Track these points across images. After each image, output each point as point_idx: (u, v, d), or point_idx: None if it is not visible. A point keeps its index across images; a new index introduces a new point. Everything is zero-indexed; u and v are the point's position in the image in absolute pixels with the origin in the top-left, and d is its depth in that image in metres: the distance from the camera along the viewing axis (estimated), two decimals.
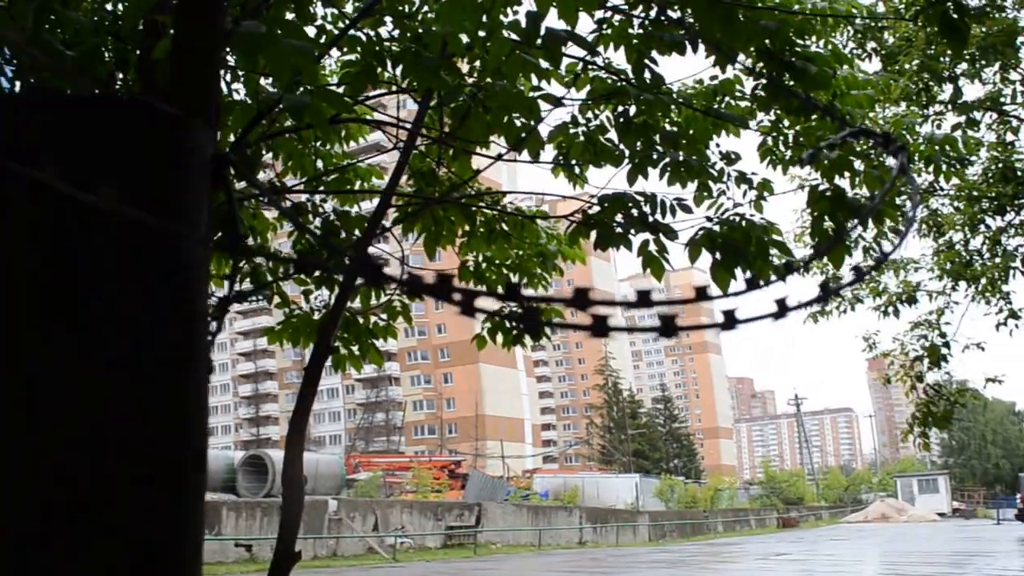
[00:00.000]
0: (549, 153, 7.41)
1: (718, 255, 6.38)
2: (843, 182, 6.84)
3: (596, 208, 6.86)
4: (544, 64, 5.41)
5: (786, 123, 7.38)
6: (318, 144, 7.66)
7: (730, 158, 7.05)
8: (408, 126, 6.97)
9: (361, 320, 7.80)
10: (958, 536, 55.67)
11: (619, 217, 6.67)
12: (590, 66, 6.95)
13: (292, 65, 4.22)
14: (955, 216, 16.68)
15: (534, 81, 5.95)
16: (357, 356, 7.75)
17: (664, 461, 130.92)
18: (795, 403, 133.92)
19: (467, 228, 7.78)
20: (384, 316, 8.13)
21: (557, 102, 6.62)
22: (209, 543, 28.85)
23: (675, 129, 6.98)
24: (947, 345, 17.27)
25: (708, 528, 73.73)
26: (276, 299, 8.20)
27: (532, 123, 6.54)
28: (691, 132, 6.92)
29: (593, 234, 6.83)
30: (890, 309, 17.93)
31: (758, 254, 6.44)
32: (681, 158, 6.71)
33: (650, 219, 6.62)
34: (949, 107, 14.27)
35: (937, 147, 8.60)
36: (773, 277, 4.16)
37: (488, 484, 63.34)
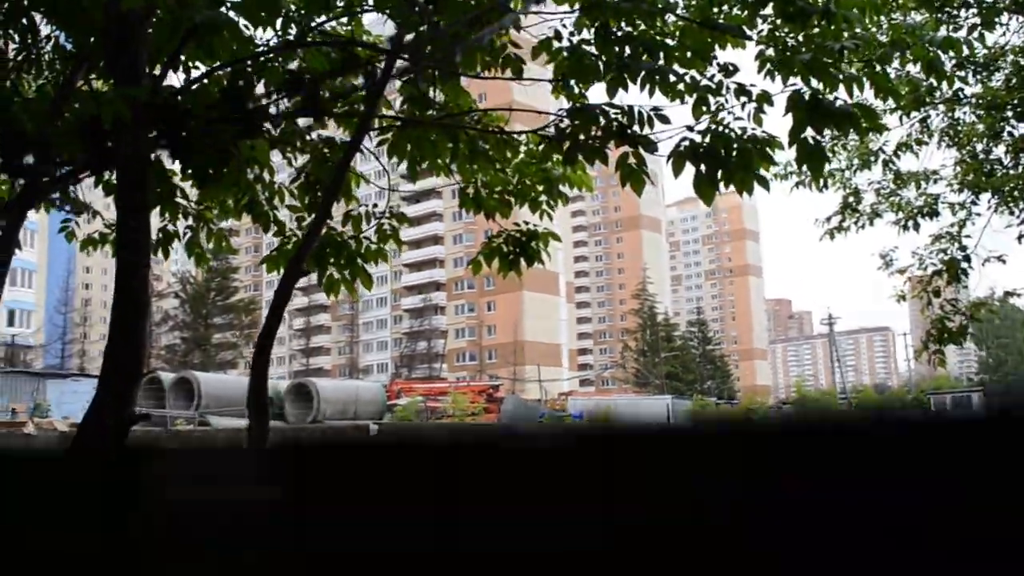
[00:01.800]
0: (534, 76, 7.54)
1: (702, 167, 6.35)
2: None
3: (567, 123, 6.84)
4: None
5: (787, 31, 7.27)
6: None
7: (728, 70, 6.92)
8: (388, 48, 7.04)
9: (352, 244, 8.05)
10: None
11: (596, 131, 6.65)
12: None
13: None
14: (977, 125, 16.36)
15: None
16: (349, 282, 8.05)
17: (698, 383, 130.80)
18: (828, 322, 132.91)
19: (449, 148, 7.75)
20: (375, 239, 8.38)
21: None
22: None
23: (669, 42, 6.89)
24: (967, 259, 16.96)
25: None
26: (273, 227, 8.52)
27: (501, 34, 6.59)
28: (687, 45, 6.84)
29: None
30: (910, 223, 17.76)
31: (740, 164, 6.39)
32: (660, 65, 6.61)
33: (628, 132, 6.55)
34: (971, 11, 13.88)
35: (937, 50, 8.24)
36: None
37: (523, 407, 64.07)
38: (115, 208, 6.72)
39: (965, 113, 16.42)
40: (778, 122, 6.79)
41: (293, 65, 8.02)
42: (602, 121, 6.57)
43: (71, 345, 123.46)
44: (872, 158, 17.16)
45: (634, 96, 6.62)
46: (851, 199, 18.07)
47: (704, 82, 6.90)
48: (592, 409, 75.32)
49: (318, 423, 45.76)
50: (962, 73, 14.45)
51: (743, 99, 6.78)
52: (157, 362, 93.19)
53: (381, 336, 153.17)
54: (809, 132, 6.34)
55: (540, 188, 8.56)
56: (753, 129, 6.60)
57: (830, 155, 17.37)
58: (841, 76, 6.50)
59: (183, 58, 7.28)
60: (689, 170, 6.42)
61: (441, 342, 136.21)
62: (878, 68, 7.38)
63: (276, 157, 8.50)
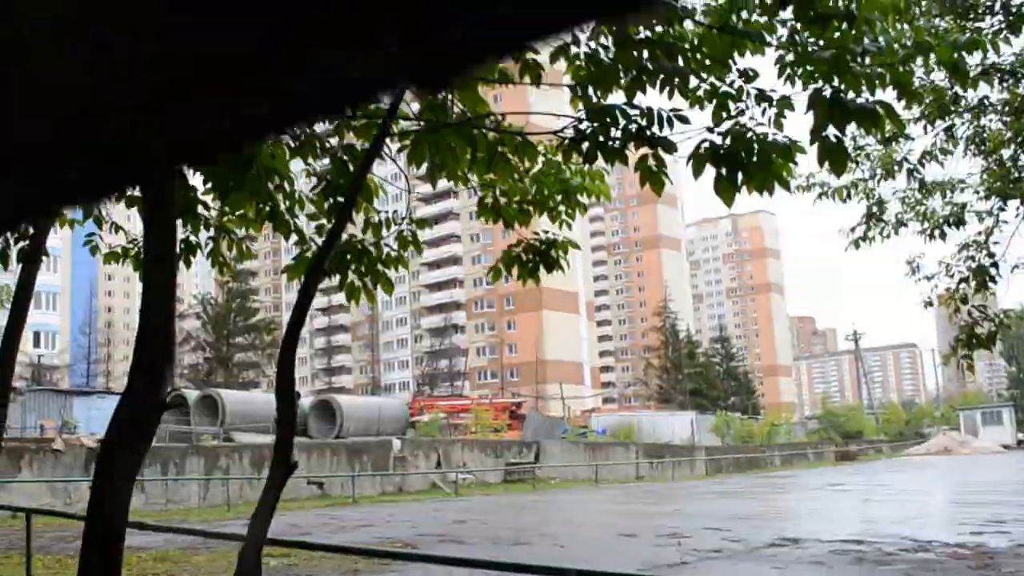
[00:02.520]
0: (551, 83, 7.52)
1: (722, 169, 6.30)
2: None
3: (587, 124, 6.81)
4: None
5: (807, 35, 7.02)
6: None
7: (748, 76, 6.82)
8: None
9: (373, 251, 8.07)
10: (1021, 467, 55.27)
11: (615, 132, 6.62)
12: None
13: None
14: (1004, 132, 16.25)
15: None
16: (370, 288, 8.07)
17: (722, 399, 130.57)
18: (853, 338, 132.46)
19: (468, 154, 7.71)
20: (395, 246, 8.40)
21: None
22: None
23: (688, 47, 6.77)
24: (995, 265, 16.87)
25: (765, 462, 73.78)
26: (293, 236, 8.57)
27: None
28: (705, 51, 6.74)
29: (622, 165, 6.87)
30: (936, 232, 17.68)
31: (760, 165, 6.36)
32: (680, 67, 6.53)
33: (647, 133, 6.52)
34: (997, 18, 13.74)
35: (961, 52, 8.10)
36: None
37: (545, 423, 64.22)
38: (140, 218, 6.75)
39: (991, 120, 16.29)
40: (799, 130, 6.70)
41: None
42: (621, 122, 6.54)
43: (96, 365, 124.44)
44: (896, 167, 17.10)
45: (653, 101, 6.61)
46: (875, 209, 18.02)
47: (723, 88, 6.80)
48: (615, 425, 75.41)
49: (342, 438, 45.97)
50: (988, 81, 14.31)
51: (763, 104, 6.72)
52: (181, 381, 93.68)
53: (402, 355, 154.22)
54: (831, 131, 6.25)
55: (559, 198, 8.56)
56: (774, 135, 6.52)
57: (853, 165, 17.33)
58: (863, 74, 6.39)
59: None
60: (708, 186, 6.35)
61: (462, 360, 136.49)
62: (901, 69, 7.27)
63: (296, 166, 8.54)
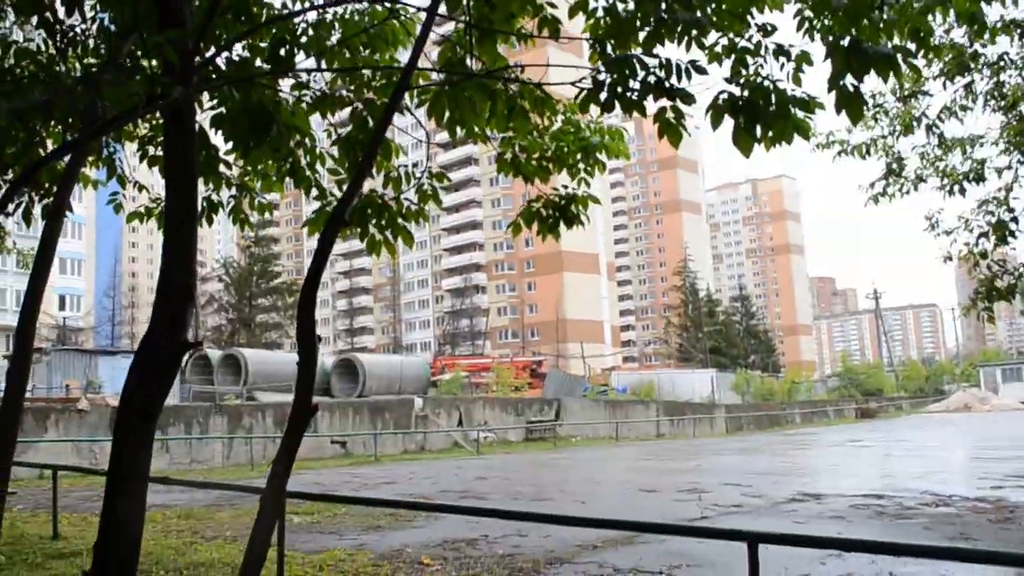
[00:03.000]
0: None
1: (741, 120, 6.31)
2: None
3: (605, 75, 6.73)
4: None
5: None
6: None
7: (767, 30, 6.75)
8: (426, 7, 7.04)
9: (393, 205, 8.15)
10: None
11: (634, 84, 6.58)
12: None
13: None
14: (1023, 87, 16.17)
15: None
16: (390, 241, 8.16)
17: (742, 357, 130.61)
18: (874, 296, 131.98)
19: (487, 109, 7.74)
20: (415, 200, 8.48)
21: None
22: (307, 439, 30.18)
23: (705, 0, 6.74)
24: (1015, 220, 16.85)
25: (785, 420, 73.87)
26: (313, 191, 8.68)
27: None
28: (723, 6, 6.73)
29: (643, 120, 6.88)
30: (955, 188, 17.63)
31: (779, 114, 6.35)
32: (698, 17, 6.51)
33: (665, 84, 6.50)
34: None
35: (980, 5, 7.94)
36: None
37: (566, 381, 64.39)
38: (161, 176, 6.85)
39: (1011, 76, 16.17)
40: (819, 87, 6.69)
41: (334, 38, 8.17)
42: (640, 73, 6.52)
43: (120, 327, 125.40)
44: (915, 123, 17.06)
45: (671, 55, 6.54)
46: (894, 165, 18.00)
47: (742, 43, 6.75)
48: (635, 383, 75.54)
49: (364, 397, 46.30)
50: (1008, 33, 14.22)
51: (782, 59, 6.67)
52: (204, 343, 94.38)
53: (423, 316, 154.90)
54: (848, 80, 6.22)
55: (578, 155, 8.60)
56: (793, 90, 6.49)
57: (872, 121, 17.30)
58: (882, 21, 6.38)
59: (217, 32, 7.43)
60: (731, 153, 6.38)
61: (483, 320, 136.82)
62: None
63: (317, 126, 8.63)
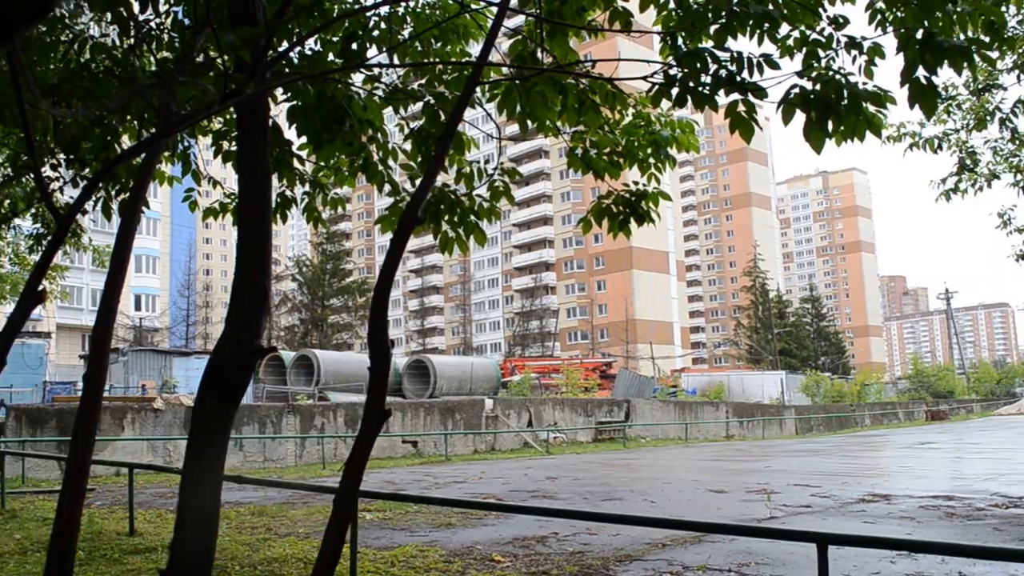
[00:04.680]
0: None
1: (812, 114, 6.20)
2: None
3: (676, 70, 6.71)
4: None
5: None
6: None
7: (839, 23, 6.67)
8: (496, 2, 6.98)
9: (466, 201, 8.15)
10: None
11: (705, 78, 6.53)
12: None
13: None
14: None
15: None
16: (463, 239, 8.16)
17: (812, 359, 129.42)
18: (945, 297, 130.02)
19: (558, 103, 7.72)
20: (487, 196, 8.46)
21: None
22: (380, 439, 30.46)
23: None
24: None
25: (855, 422, 73.19)
26: (387, 188, 8.70)
27: None
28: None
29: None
30: None
31: (851, 109, 6.23)
32: (769, 9, 6.40)
33: (737, 78, 6.43)
34: None
35: None
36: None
37: (636, 382, 64.18)
38: (235, 171, 6.90)
39: None
40: (890, 80, 6.58)
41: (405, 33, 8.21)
42: (711, 67, 6.45)
43: (194, 327, 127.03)
44: (988, 117, 16.81)
45: (742, 48, 6.48)
46: (967, 160, 17.75)
47: (814, 36, 6.68)
48: (705, 384, 75.16)
49: (435, 398, 46.56)
50: None
51: (853, 52, 6.57)
52: (277, 343, 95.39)
53: (493, 316, 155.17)
54: (921, 73, 6.12)
55: (648, 150, 8.51)
56: (864, 83, 6.37)
57: (944, 114, 17.05)
58: (955, 13, 6.28)
59: (290, 27, 7.49)
60: (800, 145, 6.33)
61: (553, 321, 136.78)
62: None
63: (389, 121, 8.66)
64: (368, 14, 8.14)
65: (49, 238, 18.35)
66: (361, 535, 11.78)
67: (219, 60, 6.76)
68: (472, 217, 8.11)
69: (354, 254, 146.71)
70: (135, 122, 8.49)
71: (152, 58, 8.60)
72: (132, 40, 7.82)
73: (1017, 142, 17.28)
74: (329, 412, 36.06)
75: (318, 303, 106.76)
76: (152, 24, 8.34)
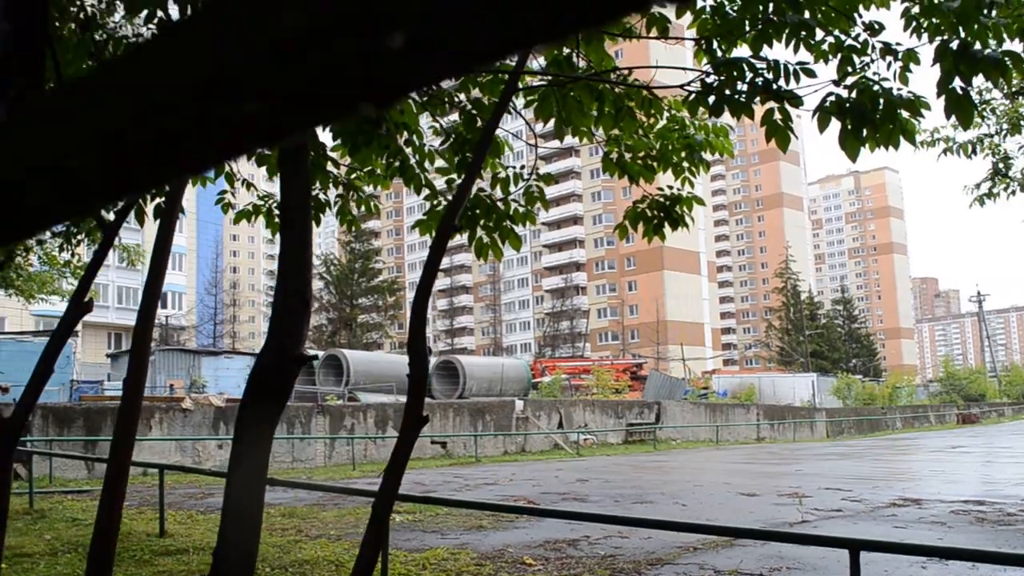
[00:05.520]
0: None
1: (848, 123, 6.22)
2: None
3: (713, 78, 6.69)
4: None
5: None
6: None
7: (874, 28, 6.74)
8: None
9: (501, 206, 8.15)
10: None
11: (742, 86, 6.54)
12: None
13: None
14: None
15: None
16: (498, 244, 8.16)
17: (843, 361, 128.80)
18: (977, 300, 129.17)
19: (594, 109, 7.69)
20: (523, 202, 8.46)
21: None
22: None
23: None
24: None
25: (886, 425, 72.86)
26: (425, 191, 8.69)
27: None
28: (830, 3, 6.61)
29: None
30: None
31: (886, 117, 6.25)
32: (805, 18, 6.43)
33: (773, 86, 6.45)
34: None
35: None
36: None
37: (666, 383, 64.06)
38: (268, 174, 6.92)
39: None
40: (925, 86, 6.58)
41: None
42: (748, 75, 6.46)
43: (221, 325, 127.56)
44: (1022, 122, 16.72)
45: (778, 56, 6.51)
46: (1001, 165, 17.67)
47: (849, 42, 6.72)
48: (736, 386, 74.96)
49: (464, 399, 46.58)
50: None
51: (888, 58, 6.65)
52: (306, 342, 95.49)
53: (523, 316, 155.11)
54: (957, 83, 6.10)
55: (682, 154, 8.50)
56: (899, 89, 6.41)
57: (979, 119, 16.94)
58: (991, 24, 6.27)
59: None
60: (830, 142, 6.32)
61: (584, 322, 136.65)
62: None
63: (425, 122, 8.65)
64: None
65: (79, 238, 18.44)
66: (392, 537, 11.82)
67: None
68: (507, 222, 8.11)
69: (383, 253, 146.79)
70: None
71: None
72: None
73: None
74: (359, 413, 36.12)
75: (347, 302, 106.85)
76: None
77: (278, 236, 6.69)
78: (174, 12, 7.37)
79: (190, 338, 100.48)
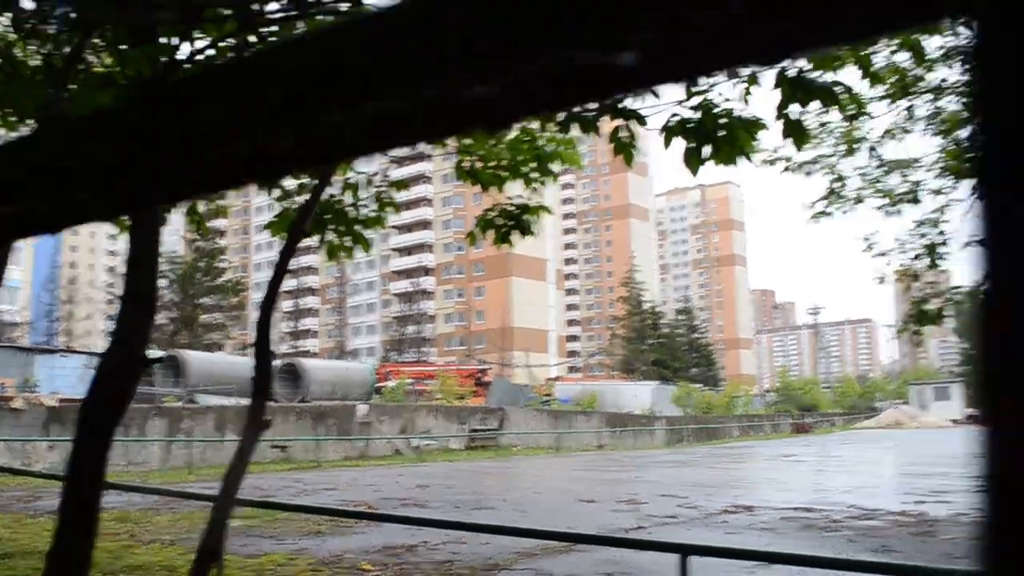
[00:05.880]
0: None
1: (691, 142, 6.51)
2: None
3: None
4: None
5: None
6: None
7: None
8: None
9: (351, 212, 8.26)
10: (964, 440, 56.02)
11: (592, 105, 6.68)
12: None
13: None
14: (961, 113, 16.59)
15: None
16: (348, 246, 8.26)
17: (684, 370, 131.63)
18: (813, 312, 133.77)
19: None
20: (373, 206, 8.58)
21: None
22: None
23: None
24: (944, 243, 17.32)
25: (724, 433, 74.79)
26: (276, 191, 8.73)
27: None
28: None
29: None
30: (893, 208, 18.06)
31: (727, 138, 6.55)
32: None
33: (619, 106, 6.68)
34: None
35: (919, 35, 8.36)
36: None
37: (510, 390, 64.60)
38: None
39: (949, 102, 16.65)
40: (763, 106, 6.91)
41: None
42: None
43: (58, 323, 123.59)
44: (857, 145, 17.48)
45: None
46: (836, 184, 18.42)
47: None
48: (578, 394, 75.96)
49: (306, 402, 46.13)
50: (947, 63, 14.67)
51: (733, 80, 6.86)
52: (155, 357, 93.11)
53: (370, 320, 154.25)
54: (794, 108, 6.50)
55: (532, 164, 8.69)
56: (740, 111, 6.70)
57: (816, 141, 17.68)
58: (828, 54, 6.65)
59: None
60: (678, 150, 6.61)
61: (430, 327, 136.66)
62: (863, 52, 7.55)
63: None
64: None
65: None
66: (227, 542, 11.76)
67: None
68: (358, 227, 8.21)
69: (228, 252, 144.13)
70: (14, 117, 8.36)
71: (38, 53, 8.46)
72: (20, 33, 7.70)
73: (883, 168, 17.98)
74: (198, 415, 35.52)
75: (189, 301, 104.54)
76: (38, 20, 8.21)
77: (123, 235, 6.65)
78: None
79: (23, 335, 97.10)
